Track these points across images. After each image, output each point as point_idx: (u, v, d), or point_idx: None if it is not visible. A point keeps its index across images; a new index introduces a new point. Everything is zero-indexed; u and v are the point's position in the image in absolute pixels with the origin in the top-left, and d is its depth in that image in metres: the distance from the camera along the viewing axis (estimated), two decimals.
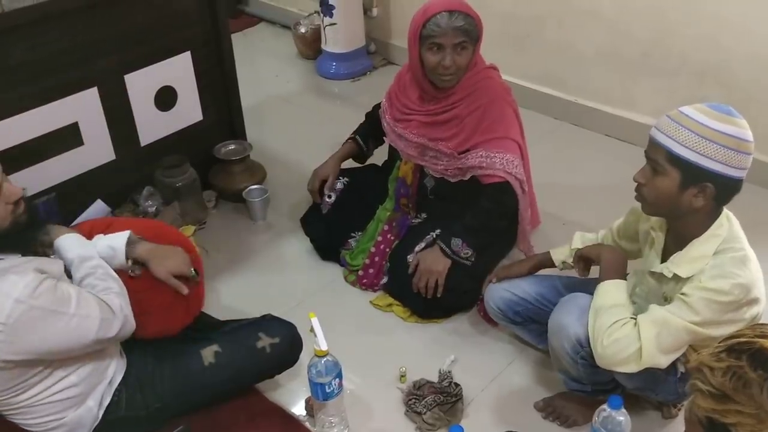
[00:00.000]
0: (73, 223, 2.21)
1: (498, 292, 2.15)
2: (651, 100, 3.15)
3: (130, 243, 1.87)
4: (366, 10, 4.00)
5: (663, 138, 1.60)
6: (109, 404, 1.83)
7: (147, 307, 1.88)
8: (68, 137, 2.44)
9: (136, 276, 1.88)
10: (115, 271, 1.83)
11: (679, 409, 2.00)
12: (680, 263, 1.69)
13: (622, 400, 1.65)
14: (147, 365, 1.90)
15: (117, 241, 1.86)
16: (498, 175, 2.28)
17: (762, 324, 1.19)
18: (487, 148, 2.28)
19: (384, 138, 2.60)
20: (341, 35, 3.91)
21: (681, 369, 1.81)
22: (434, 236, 2.35)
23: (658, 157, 1.62)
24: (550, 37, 3.38)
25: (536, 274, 2.16)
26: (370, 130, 2.66)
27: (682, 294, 1.64)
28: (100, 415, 1.82)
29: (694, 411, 1.15)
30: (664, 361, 1.66)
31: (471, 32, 2.18)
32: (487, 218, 2.31)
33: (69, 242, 1.82)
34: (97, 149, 2.54)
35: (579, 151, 3.25)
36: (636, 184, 1.69)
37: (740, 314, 1.62)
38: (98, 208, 2.57)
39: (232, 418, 2.03)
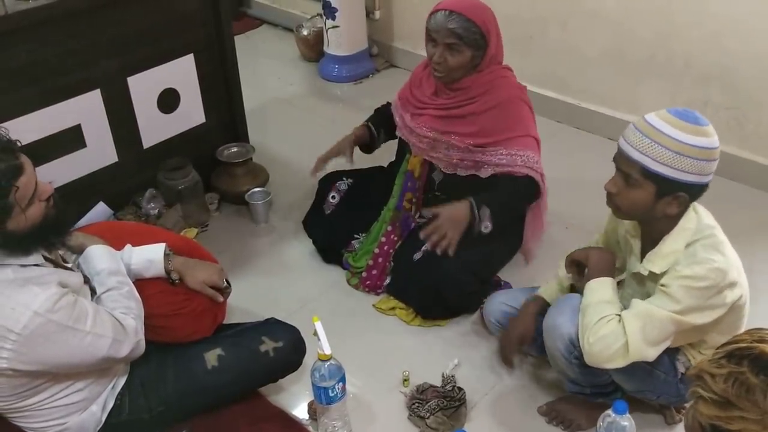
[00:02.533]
0: (75, 226, 2.20)
1: (496, 306, 2.18)
2: (655, 103, 3.13)
3: (165, 255, 1.94)
4: (369, 13, 3.99)
5: (636, 154, 1.62)
6: (112, 408, 1.83)
7: (179, 311, 1.95)
8: (71, 139, 2.44)
9: (177, 283, 1.96)
10: (152, 279, 1.92)
11: (682, 414, 2.00)
12: (654, 260, 1.73)
13: (627, 406, 1.65)
14: (150, 369, 1.90)
15: (154, 254, 1.93)
16: (520, 172, 2.30)
17: (759, 329, 1.19)
18: (508, 147, 2.30)
19: (396, 132, 2.60)
20: (344, 38, 3.91)
21: (681, 369, 1.83)
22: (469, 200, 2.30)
23: (632, 171, 1.65)
24: (553, 39, 3.37)
25: (534, 286, 2.18)
26: (382, 121, 2.66)
27: (662, 285, 1.67)
28: (104, 419, 1.82)
29: (696, 418, 1.15)
30: (651, 354, 1.68)
31: (465, 37, 2.19)
32: (512, 199, 2.32)
33: (100, 252, 1.85)
34: (99, 151, 2.54)
35: (581, 154, 3.24)
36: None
37: (721, 299, 1.65)
38: (100, 210, 2.56)
39: (235, 421, 2.02)
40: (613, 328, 1.67)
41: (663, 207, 1.66)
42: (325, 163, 2.60)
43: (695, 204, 1.72)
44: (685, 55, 2.98)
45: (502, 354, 2.12)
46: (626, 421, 1.66)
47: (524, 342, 2.04)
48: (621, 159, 1.68)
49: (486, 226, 2.27)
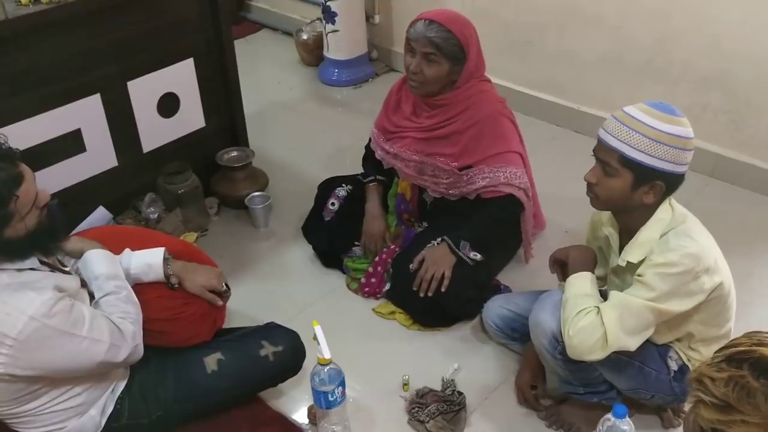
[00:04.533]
0: (74, 231, 2.20)
1: (495, 310, 2.20)
2: None
3: (164, 259, 1.93)
4: (368, 17, 4.00)
5: (615, 142, 1.68)
6: (111, 412, 1.83)
7: (179, 315, 1.95)
8: (71, 144, 2.44)
9: (176, 287, 1.95)
10: (151, 283, 1.91)
11: (681, 417, 2.00)
12: (631, 250, 1.77)
13: (627, 410, 1.64)
14: (150, 373, 1.90)
15: (154, 258, 1.92)
16: (501, 190, 2.31)
17: (757, 332, 1.20)
18: (490, 164, 2.31)
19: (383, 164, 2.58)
20: (343, 42, 3.91)
21: (673, 367, 1.85)
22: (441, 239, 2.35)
23: (610, 159, 1.70)
24: (552, 43, 3.38)
25: (533, 290, 2.20)
26: (380, 167, 2.59)
27: (638, 275, 1.71)
28: (103, 423, 1.82)
29: (697, 422, 1.15)
30: (631, 343, 1.71)
31: (442, 47, 2.19)
32: (493, 225, 2.34)
33: (99, 257, 1.85)
34: (99, 156, 2.54)
35: (580, 158, 3.22)
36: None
37: (698, 285, 1.68)
38: (100, 214, 2.57)
39: (235, 426, 2.02)
40: (591, 319, 1.71)
41: (640, 196, 1.71)
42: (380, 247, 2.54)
43: (671, 199, 1.77)
44: (684, 60, 2.99)
45: (520, 400, 2.11)
46: (626, 425, 1.66)
47: (534, 382, 2.07)
48: (600, 148, 1.74)
49: (474, 255, 2.30)
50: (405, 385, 2.14)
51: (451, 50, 2.20)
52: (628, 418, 1.65)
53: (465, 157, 2.32)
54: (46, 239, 1.68)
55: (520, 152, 2.37)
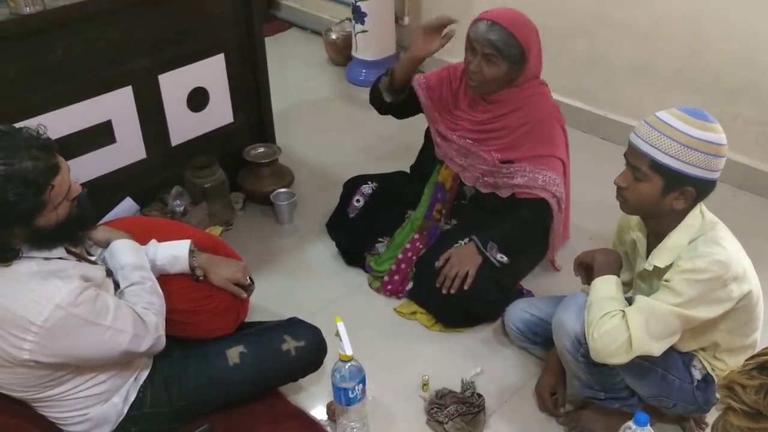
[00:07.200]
0: (101, 221, 2.23)
1: (517, 314, 2.20)
2: None
3: (190, 251, 1.95)
4: (398, 19, 4.01)
5: (646, 146, 1.67)
6: (134, 400, 1.85)
7: (203, 307, 1.96)
8: (101, 135, 2.47)
9: (201, 279, 1.96)
10: (177, 275, 1.93)
11: (703, 427, 1.98)
12: (659, 255, 1.76)
13: (648, 418, 1.63)
14: (172, 363, 1.91)
15: (179, 250, 1.94)
16: (536, 193, 2.30)
17: None
18: (531, 164, 2.31)
19: (423, 112, 2.52)
20: (372, 43, 3.93)
21: (697, 376, 1.84)
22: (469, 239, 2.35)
23: (641, 164, 1.69)
24: (581, 50, 3.37)
25: (556, 295, 2.18)
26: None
27: (665, 281, 1.70)
28: (125, 411, 1.84)
29: (726, 429, 1.14)
30: (655, 348, 1.70)
31: (503, 50, 2.19)
32: (522, 230, 2.34)
33: (125, 247, 1.87)
34: (128, 147, 2.57)
35: (607, 165, 3.19)
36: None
37: (726, 292, 1.67)
38: (127, 205, 2.59)
39: (254, 419, 2.03)
40: (616, 323, 1.70)
41: (670, 201, 1.70)
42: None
43: (701, 205, 1.76)
44: (714, 69, 2.96)
45: (540, 406, 2.11)
46: None
47: (555, 389, 2.07)
48: (631, 153, 1.73)
49: (501, 257, 2.30)
50: (424, 385, 2.14)
51: (511, 53, 2.20)
52: (649, 427, 1.64)
53: (509, 150, 2.33)
54: (75, 230, 1.70)
55: (563, 160, 2.37)
